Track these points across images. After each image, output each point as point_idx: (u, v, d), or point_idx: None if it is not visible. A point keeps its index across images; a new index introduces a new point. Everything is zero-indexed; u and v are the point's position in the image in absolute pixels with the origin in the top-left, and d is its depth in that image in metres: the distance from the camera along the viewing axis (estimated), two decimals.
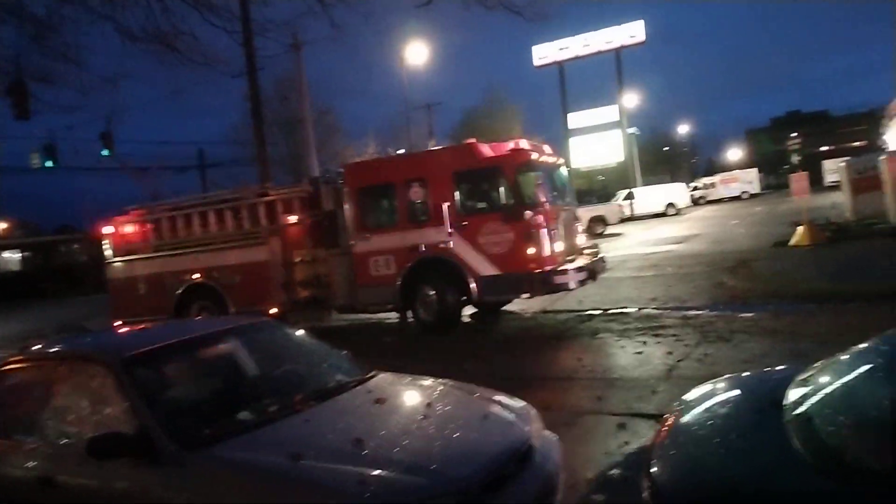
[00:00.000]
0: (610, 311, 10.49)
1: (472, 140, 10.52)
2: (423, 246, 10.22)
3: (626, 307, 10.66)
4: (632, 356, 7.65)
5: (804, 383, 2.75)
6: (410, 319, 10.63)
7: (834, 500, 1.96)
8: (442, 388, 4.14)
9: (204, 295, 11.68)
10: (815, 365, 2.91)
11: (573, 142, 51.28)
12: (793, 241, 15.77)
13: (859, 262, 12.18)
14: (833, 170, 37.93)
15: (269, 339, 4.60)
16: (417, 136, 35.56)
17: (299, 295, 11.27)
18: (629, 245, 22.48)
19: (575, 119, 52.50)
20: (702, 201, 49.66)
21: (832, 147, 68.28)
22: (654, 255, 18.11)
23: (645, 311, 10.26)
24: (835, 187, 30.75)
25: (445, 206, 10.02)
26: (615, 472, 4.13)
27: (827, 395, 2.59)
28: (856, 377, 2.61)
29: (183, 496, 3.03)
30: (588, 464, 4.42)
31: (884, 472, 1.93)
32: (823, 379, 2.72)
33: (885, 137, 24.84)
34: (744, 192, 50.82)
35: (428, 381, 4.29)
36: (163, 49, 12.52)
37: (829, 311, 8.52)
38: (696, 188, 51.67)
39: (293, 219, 11.35)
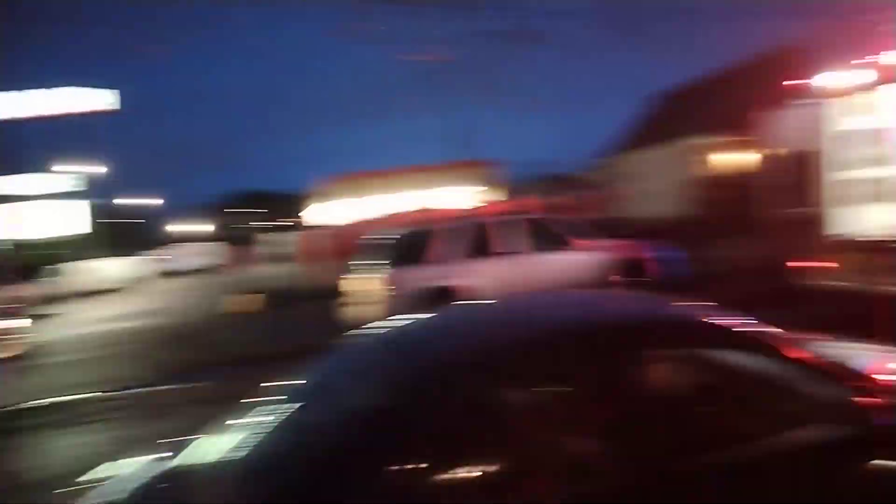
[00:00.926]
0: (48, 402, 9.76)
1: None
2: None
3: (69, 394, 10.08)
4: (58, 452, 7.39)
5: (196, 446, 3.27)
6: None
7: None
8: None
9: None
10: (207, 430, 3.43)
11: (7, 209, 43.99)
12: (237, 309, 17.69)
13: (283, 325, 14.55)
14: (264, 242, 42.42)
15: None
16: None
17: None
18: (84, 322, 21.02)
19: (15, 184, 45.79)
20: (166, 273, 49.38)
21: (273, 222, 77.41)
22: (110, 332, 17.50)
23: (86, 395, 9.92)
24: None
25: None
26: None
27: (206, 449, 3.14)
28: (237, 431, 3.13)
29: None
30: None
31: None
32: (208, 442, 3.25)
33: (303, 216, 30.57)
34: (205, 264, 52.61)
35: None
36: None
37: (257, 371, 9.92)
38: (160, 260, 51.19)
39: None
